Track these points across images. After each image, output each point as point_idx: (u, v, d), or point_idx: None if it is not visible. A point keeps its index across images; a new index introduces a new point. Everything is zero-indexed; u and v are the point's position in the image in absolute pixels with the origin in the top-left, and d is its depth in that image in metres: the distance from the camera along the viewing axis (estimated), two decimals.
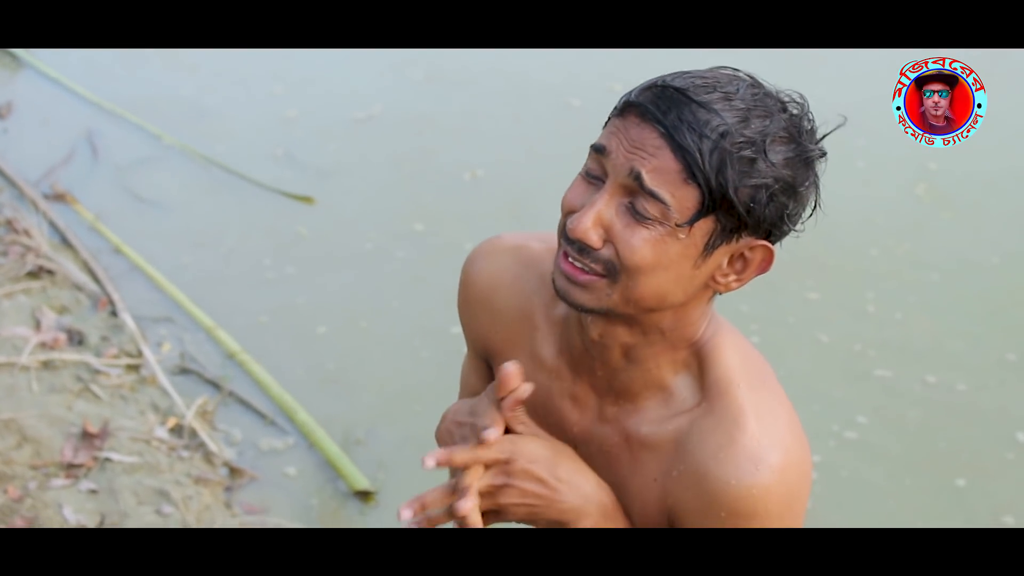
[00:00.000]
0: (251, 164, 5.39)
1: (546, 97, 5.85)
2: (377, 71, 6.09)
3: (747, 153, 1.60)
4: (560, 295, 1.70)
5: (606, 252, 1.65)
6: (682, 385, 1.75)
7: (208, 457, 3.99)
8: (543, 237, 1.90)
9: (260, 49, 6.26)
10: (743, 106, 1.62)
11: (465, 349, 2.00)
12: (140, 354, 4.35)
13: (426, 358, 4.37)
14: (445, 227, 5.00)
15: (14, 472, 3.84)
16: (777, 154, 1.63)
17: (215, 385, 4.27)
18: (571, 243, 1.66)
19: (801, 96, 1.68)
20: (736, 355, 1.74)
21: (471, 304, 1.93)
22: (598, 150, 1.67)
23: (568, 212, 1.68)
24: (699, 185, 1.60)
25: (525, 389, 1.72)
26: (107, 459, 3.90)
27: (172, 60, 6.18)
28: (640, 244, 1.63)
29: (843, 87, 5.66)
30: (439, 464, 1.69)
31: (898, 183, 5.31)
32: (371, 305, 4.66)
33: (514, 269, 1.88)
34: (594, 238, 1.64)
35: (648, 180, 1.61)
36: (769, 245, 1.67)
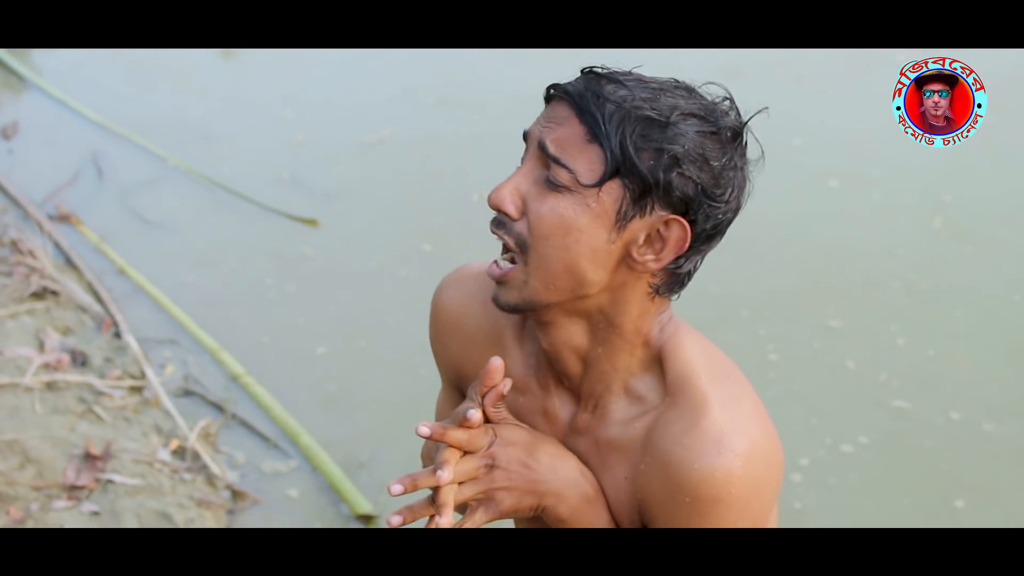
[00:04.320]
0: (257, 187, 5.49)
1: None
2: (388, 96, 6.21)
3: (649, 114, 1.70)
4: (493, 302, 1.81)
5: (520, 226, 1.75)
6: (646, 387, 1.82)
7: (211, 480, 4.08)
8: None
9: (271, 72, 6.41)
10: (656, 87, 1.74)
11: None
12: (143, 376, 4.44)
13: (424, 375, 4.45)
14: (451, 247, 5.11)
15: (16, 493, 3.92)
16: (686, 126, 1.71)
17: (218, 407, 4.36)
18: (494, 221, 1.77)
19: (728, 92, 1.78)
20: (695, 350, 1.81)
21: (442, 333, 2.02)
22: (523, 137, 1.79)
23: None
24: (601, 145, 1.70)
25: (507, 384, 1.81)
26: (109, 481, 3.98)
27: (180, 83, 6.31)
28: (548, 211, 1.73)
29: (854, 117, 5.78)
30: (432, 436, 1.77)
31: (915, 216, 5.39)
32: (369, 324, 4.76)
33: (481, 294, 1.94)
34: (510, 207, 1.75)
35: (551, 147, 1.72)
36: (683, 221, 1.73)
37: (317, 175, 5.61)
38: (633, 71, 1.78)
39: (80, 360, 4.48)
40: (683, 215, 1.74)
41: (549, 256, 1.74)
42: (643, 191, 1.72)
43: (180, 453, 4.16)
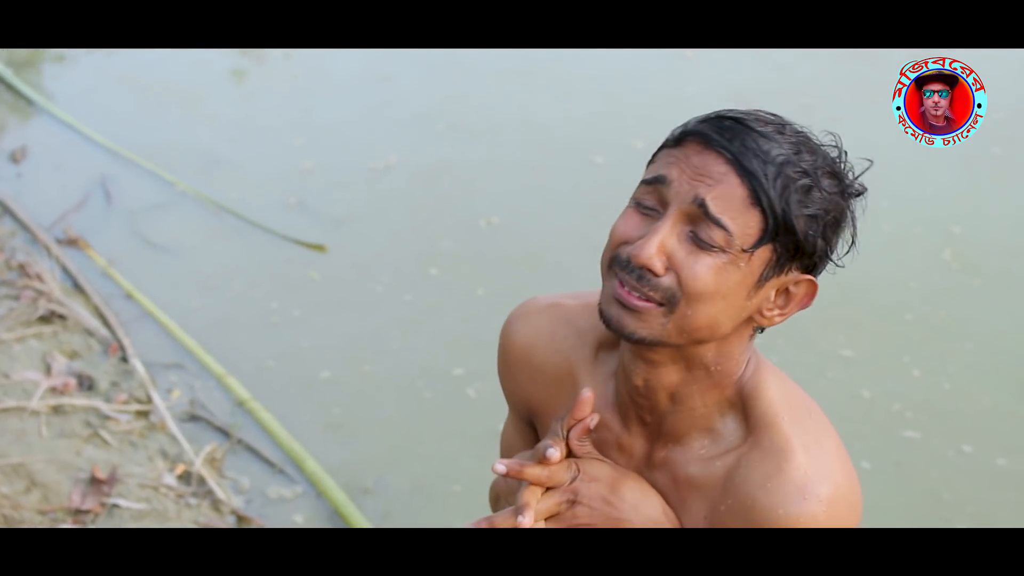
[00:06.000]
0: (265, 212, 5.54)
1: (567, 151, 5.99)
2: (396, 122, 6.26)
3: (805, 182, 1.71)
4: (612, 325, 1.77)
5: (667, 280, 1.72)
6: (728, 425, 1.83)
7: (216, 505, 4.10)
8: (576, 295, 2.00)
9: (280, 99, 6.46)
10: (794, 139, 1.74)
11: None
12: (150, 400, 4.48)
13: (429, 400, 4.52)
14: (458, 272, 5.15)
15: (22, 517, 3.94)
16: (828, 187, 1.74)
17: (224, 432, 4.39)
18: (630, 271, 1.73)
19: (836, 136, 1.80)
20: (778, 390, 1.82)
21: (511, 366, 2.03)
22: (659, 180, 1.74)
23: (621, 243, 1.76)
24: (763, 210, 1.69)
25: (594, 419, 1.82)
26: (115, 505, 4.01)
27: (189, 108, 6.36)
28: (704, 271, 1.71)
29: (863, 147, 5.80)
30: (509, 474, 1.79)
31: (925, 247, 5.41)
32: (374, 348, 4.80)
33: (550, 327, 1.97)
34: (658, 265, 1.71)
35: (713, 207, 1.69)
36: (814, 280, 1.77)
37: (325, 201, 5.65)
38: (756, 113, 1.76)
39: (87, 384, 4.51)
40: (810, 272, 1.77)
41: (697, 312, 1.73)
42: (791, 255, 1.74)
43: (186, 478, 4.19)
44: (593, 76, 6.54)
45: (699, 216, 1.71)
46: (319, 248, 5.34)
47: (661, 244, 1.72)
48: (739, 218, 1.70)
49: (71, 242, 5.34)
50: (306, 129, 6.20)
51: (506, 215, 5.53)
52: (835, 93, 6.32)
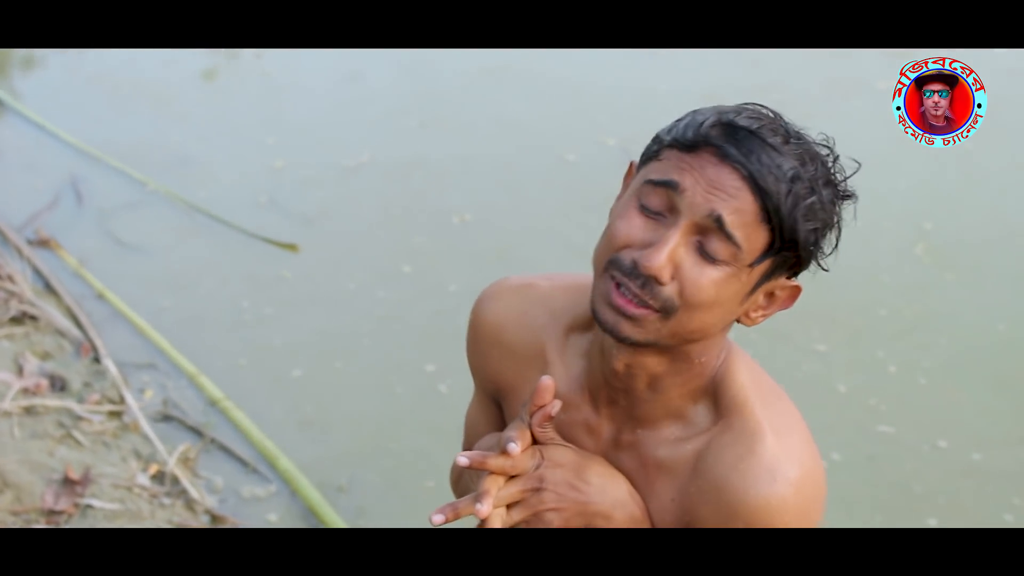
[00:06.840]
0: (236, 211, 5.54)
1: (540, 148, 6.02)
2: (369, 120, 6.28)
3: (812, 198, 1.72)
4: (607, 328, 1.77)
5: (669, 289, 1.73)
6: (699, 411, 1.85)
7: (190, 504, 4.11)
8: (548, 276, 2.02)
9: (251, 98, 6.47)
10: (798, 149, 1.74)
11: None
12: (122, 400, 4.48)
13: (401, 395, 4.55)
14: (431, 269, 5.17)
15: None
16: (826, 197, 1.75)
17: (197, 432, 4.41)
18: (634, 276, 1.73)
19: (827, 137, 1.82)
20: (748, 375, 1.85)
21: (481, 343, 2.04)
22: (670, 185, 1.73)
23: (624, 245, 1.76)
24: (772, 228, 1.71)
25: (555, 405, 1.82)
26: (88, 506, 4.01)
27: (160, 108, 6.37)
28: (707, 284, 1.72)
29: (835, 143, 5.83)
30: (473, 465, 1.79)
31: (897, 243, 5.45)
32: (345, 345, 4.83)
33: (522, 307, 1.98)
34: (666, 275, 1.71)
35: (729, 223, 1.70)
36: (799, 285, 1.80)
37: (296, 199, 5.66)
38: (757, 114, 1.76)
39: (59, 385, 4.51)
40: (794, 275, 1.80)
41: (692, 320, 1.75)
42: (788, 266, 1.77)
43: (159, 478, 4.20)
44: (565, 73, 6.56)
45: (711, 229, 1.72)
46: (291, 247, 5.35)
47: (671, 254, 1.72)
48: (751, 234, 1.71)
49: (42, 243, 5.34)
50: (277, 127, 6.22)
51: (478, 212, 5.56)
52: (807, 89, 6.36)
